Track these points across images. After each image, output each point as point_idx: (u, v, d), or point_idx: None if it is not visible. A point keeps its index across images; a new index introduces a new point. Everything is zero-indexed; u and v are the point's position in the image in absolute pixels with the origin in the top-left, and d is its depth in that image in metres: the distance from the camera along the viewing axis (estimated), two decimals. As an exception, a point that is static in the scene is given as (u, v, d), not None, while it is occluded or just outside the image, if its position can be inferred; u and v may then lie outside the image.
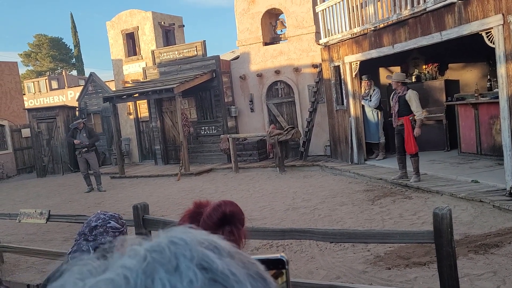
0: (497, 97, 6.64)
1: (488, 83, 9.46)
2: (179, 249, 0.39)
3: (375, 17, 8.78)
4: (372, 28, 8.89)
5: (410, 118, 7.16)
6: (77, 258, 0.42)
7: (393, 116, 7.45)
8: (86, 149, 10.61)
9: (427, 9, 7.40)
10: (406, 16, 7.91)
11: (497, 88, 6.59)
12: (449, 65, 10.45)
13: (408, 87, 7.37)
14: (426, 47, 8.13)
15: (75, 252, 1.73)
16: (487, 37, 6.27)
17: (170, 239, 0.40)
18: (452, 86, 10.17)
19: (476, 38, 6.72)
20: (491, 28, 6.13)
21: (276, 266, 0.47)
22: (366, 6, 9.05)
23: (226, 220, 1.18)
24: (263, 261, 0.47)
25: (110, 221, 1.81)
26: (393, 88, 7.58)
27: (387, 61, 10.18)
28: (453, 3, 6.83)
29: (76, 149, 10.91)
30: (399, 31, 8.23)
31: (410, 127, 7.16)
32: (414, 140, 7.19)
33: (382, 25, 8.69)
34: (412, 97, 7.13)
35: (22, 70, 42.62)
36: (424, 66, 10.46)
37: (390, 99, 7.69)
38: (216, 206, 1.21)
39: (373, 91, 9.72)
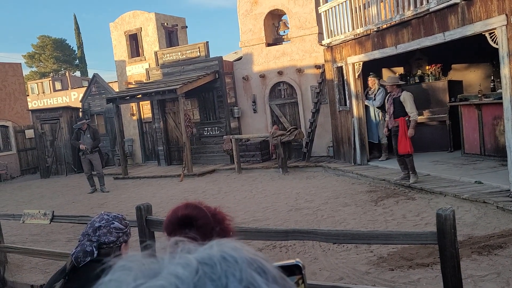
0: (501, 98, 6.61)
1: (492, 84, 9.44)
2: (229, 267, 0.39)
3: (378, 18, 8.77)
4: (375, 29, 8.88)
5: (406, 119, 7.25)
6: (130, 254, 0.42)
7: (389, 117, 7.53)
8: (90, 149, 10.63)
9: (430, 10, 7.39)
10: (409, 16, 7.90)
11: (501, 88, 6.57)
12: (453, 65, 10.42)
13: (402, 89, 7.47)
14: (429, 48, 8.11)
15: (79, 252, 1.74)
16: (491, 37, 6.25)
17: (222, 255, 0.40)
18: (455, 87, 10.14)
19: (479, 38, 6.70)
20: (495, 28, 6.12)
21: (292, 271, 0.48)
22: (369, 6, 9.05)
23: (182, 224, 1.17)
24: (279, 268, 0.47)
25: (113, 221, 1.82)
26: (388, 91, 7.70)
27: (390, 61, 10.18)
28: (456, 4, 6.82)
29: (80, 150, 10.90)
30: (402, 32, 8.22)
31: (405, 128, 7.24)
32: (409, 141, 7.24)
33: (385, 26, 8.68)
34: (406, 98, 7.22)
35: (26, 71, 42.80)
36: (427, 67, 10.44)
37: (386, 101, 7.77)
38: (174, 209, 1.22)
39: (378, 90, 9.69)
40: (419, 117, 10.19)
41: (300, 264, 0.49)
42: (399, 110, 7.29)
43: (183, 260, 0.40)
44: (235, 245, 0.43)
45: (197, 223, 1.16)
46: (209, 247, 0.42)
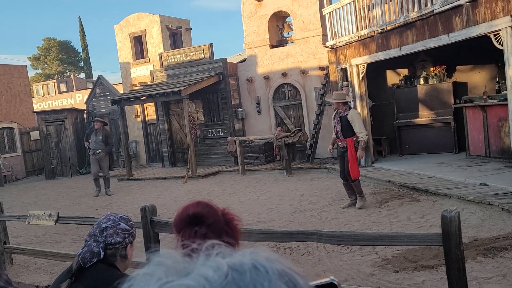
0: (506, 99, 6.60)
1: (497, 85, 9.41)
2: (259, 277, 0.39)
3: (382, 20, 8.76)
4: (380, 31, 8.88)
5: (354, 139, 6.61)
6: (168, 251, 0.43)
7: (335, 137, 6.91)
8: (100, 150, 10.26)
9: (435, 11, 7.38)
10: (414, 18, 7.89)
11: (506, 90, 6.55)
12: (457, 67, 10.40)
13: (350, 107, 6.88)
14: (434, 49, 8.10)
15: (86, 253, 1.75)
16: (496, 39, 6.24)
17: (253, 263, 0.40)
18: (460, 88, 10.11)
19: (484, 40, 6.69)
20: (500, 30, 6.10)
21: None
22: (373, 8, 9.04)
23: (193, 222, 1.18)
24: (315, 287, 0.48)
25: (120, 222, 1.83)
26: (334, 108, 6.97)
27: (394, 63, 10.17)
28: (461, 5, 6.81)
29: (90, 149, 10.50)
30: (407, 33, 8.21)
31: (353, 150, 6.61)
32: (357, 164, 6.69)
33: (389, 27, 8.68)
34: (354, 117, 6.60)
35: (31, 73, 43.05)
36: (431, 68, 10.42)
37: (332, 119, 7.00)
38: (184, 207, 1.23)
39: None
40: (422, 119, 10.24)
41: (336, 283, 0.49)
42: (347, 130, 6.62)
43: (214, 264, 0.40)
44: (269, 256, 0.42)
45: (208, 222, 1.17)
46: (242, 254, 0.42)
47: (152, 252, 0.44)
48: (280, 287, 0.39)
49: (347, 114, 6.64)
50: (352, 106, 6.81)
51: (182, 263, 0.41)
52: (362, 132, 6.58)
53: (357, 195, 6.81)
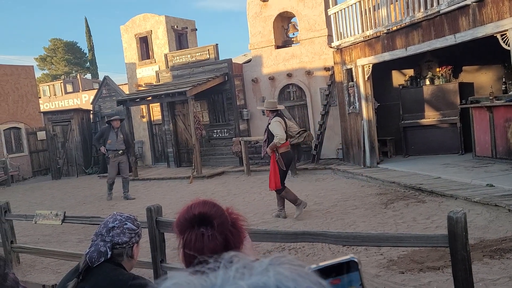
0: (513, 100, 6.55)
1: (503, 86, 9.35)
2: None
3: (388, 20, 8.74)
4: (385, 31, 8.85)
5: (274, 150, 6.46)
6: (179, 274, 0.39)
7: (262, 146, 6.82)
8: (121, 151, 9.49)
9: (441, 12, 7.35)
10: (420, 18, 7.86)
11: (513, 90, 6.51)
12: (463, 67, 10.35)
13: (275, 115, 6.58)
14: (440, 50, 8.06)
15: (93, 252, 1.76)
16: (502, 39, 6.20)
17: (277, 284, 0.37)
18: (466, 89, 10.06)
19: (491, 40, 6.65)
20: (507, 30, 6.07)
21: (348, 268, 0.47)
22: (379, 8, 9.02)
23: (199, 223, 1.09)
24: (335, 266, 0.47)
25: (126, 222, 1.84)
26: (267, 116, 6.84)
27: (400, 64, 10.14)
28: (467, 5, 6.78)
29: (108, 150, 9.49)
30: (412, 34, 8.18)
31: (275, 164, 6.47)
32: (278, 176, 6.46)
33: (395, 28, 8.66)
34: (273, 124, 6.45)
35: (38, 74, 43.34)
36: (437, 69, 10.37)
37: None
38: (188, 206, 1.14)
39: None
40: (428, 120, 10.20)
41: (356, 260, 0.49)
42: (272, 139, 6.44)
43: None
44: (293, 274, 0.38)
45: (215, 222, 1.08)
46: (264, 270, 0.38)
47: (162, 279, 0.40)
48: None
49: (269, 124, 6.54)
50: (282, 114, 6.67)
51: (199, 287, 0.37)
52: (278, 135, 6.37)
53: (294, 205, 6.57)
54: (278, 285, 0.37)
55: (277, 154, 6.48)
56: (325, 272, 0.47)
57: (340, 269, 0.47)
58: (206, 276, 0.39)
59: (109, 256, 1.77)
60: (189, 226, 1.11)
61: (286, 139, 6.61)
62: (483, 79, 10.16)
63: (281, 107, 7.05)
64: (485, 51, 8.76)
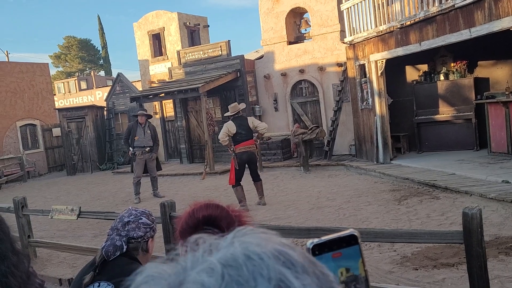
0: (530, 95, 6.44)
1: (520, 81, 9.19)
2: (256, 267, 0.37)
3: (401, 14, 8.65)
4: (399, 26, 8.76)
5: (231, 148, 7.26)
6: (151, 264, 0.40)
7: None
8: (149, 148, 9.04)
9: (456, 6, 7.24)
10: (434, 13, 7.76)
11: (530, 85, 6.40)
12: (479, 62, 10.19)
13: (231, 118, 7.42)
14: (455, 45, 7.95)
15: (109, 246, 1.79)
16: (519, 33, 6.09)
17: (246, 254, 0.38)
18: (481, 84, 9.91)
19: (507, 34, 6.54)
20: (523, 24, 5.96)
21: (349, 242, 0.49)
22: (392, 3, 8.93)
23: (204, 227, 1.02)
24: (335, 240, 0.49)
25: (141, 217, 1.87)
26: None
27: (413, 59, 10.02)
28: (483, -1, 6.67)
29: (135, 147, 8.95)
30: (427, 28, 8.08)
31: (233, 162, 7.30)
32: (234, 173, 7.25)
33: (408, 23, 8.56)
34: (225, 125, 7.31)
35: (53, 71, 43.90)
36: (452, 64, 10.23)
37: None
38: (189, 211, 1.04)
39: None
40: (442, 116, 10.09)
41: (356, 234, 0.50)
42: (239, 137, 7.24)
43: (206, 265, 0.37)
44: (258, 239, 0.40)
45: (222, 224, 1.00)
46: (230, 244, 0.39)
47: (136, 273, 0.41)
48: (280, 271, 0.37)
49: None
50: (241, 115, 7.54)
51: (172, 274, 0.38)
52: (220, 136, 7.32)
53: (238, 203, 7.08)
54: (245, 253, 0.38)
55: (233, 153, 7.22)
56: (327, 246, 0.49)
57: (341, 243, 0.48)
58: (176, 262, 0.40)
59: (124, 250, 1.80)
60: (193, 233, 1.05)
61: (249, 139, 7.29)
62: (499, 74, 9.99)
63: (242, 105, 7.87)
64: (501, 45, 8.61)
